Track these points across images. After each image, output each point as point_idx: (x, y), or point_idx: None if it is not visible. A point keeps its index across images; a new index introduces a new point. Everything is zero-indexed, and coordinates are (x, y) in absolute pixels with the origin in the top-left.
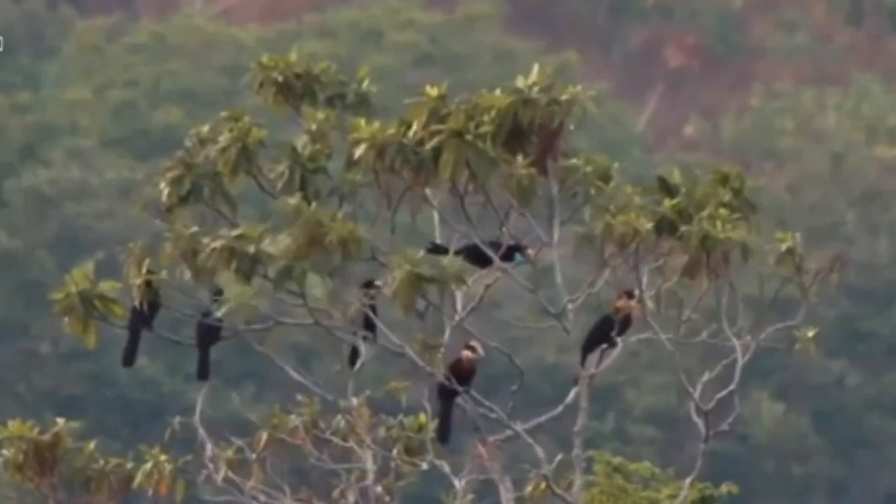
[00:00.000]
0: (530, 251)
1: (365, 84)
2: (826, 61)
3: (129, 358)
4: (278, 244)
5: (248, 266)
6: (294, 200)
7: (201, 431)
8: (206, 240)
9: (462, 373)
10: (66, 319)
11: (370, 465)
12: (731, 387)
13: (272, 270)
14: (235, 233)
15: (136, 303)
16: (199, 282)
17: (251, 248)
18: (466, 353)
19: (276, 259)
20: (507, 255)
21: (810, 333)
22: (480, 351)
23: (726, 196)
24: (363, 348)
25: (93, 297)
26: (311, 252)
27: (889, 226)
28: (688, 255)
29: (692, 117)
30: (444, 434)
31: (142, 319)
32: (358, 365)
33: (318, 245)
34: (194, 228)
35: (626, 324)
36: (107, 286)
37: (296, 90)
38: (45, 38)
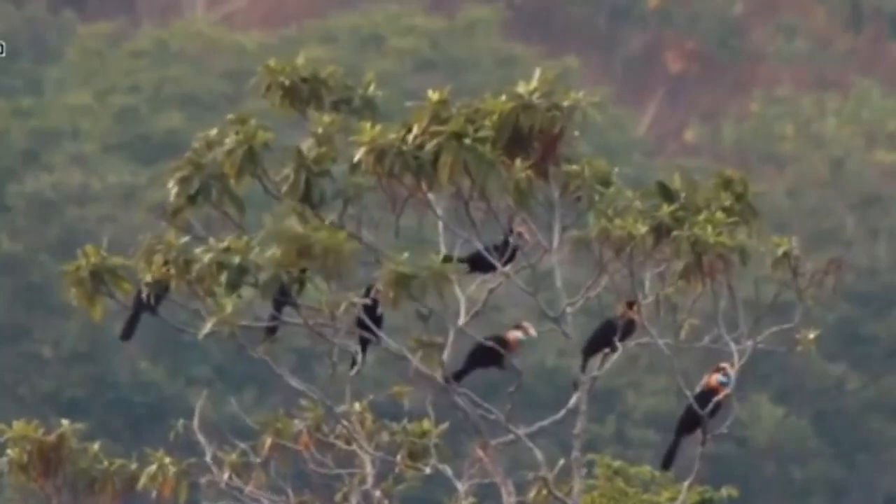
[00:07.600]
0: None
1: (371, 88)
2: (826, 66)
3: (127, 333)
4: (268, 253)
5: (236, 277)
6: (273, 219)
7: (201, 438)
8: (197, 251)
9: (507, 349)
10: (73, 291)
11: (369, 470)
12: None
13: (261, 279)
14: (223, 246)
15: (143, 295)
16: (193, 293)
17: (236, 260)
18: (515, 334)
19: (264, 268)
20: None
21: (811, 335)
22: (532, 332)
23: (728, 200)
24: (359, 354)
25: (103, 271)
26: (299, 262)
27: (888, 230)
28: (681, 259)
29: (692, 122)
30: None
31: (146, 307)
32: (355, 370)
33: (306, 256)
34: (186, 238)
35: (629, 329)
36: (118, 261)
37: (302, 94)
38: (48, 43)
